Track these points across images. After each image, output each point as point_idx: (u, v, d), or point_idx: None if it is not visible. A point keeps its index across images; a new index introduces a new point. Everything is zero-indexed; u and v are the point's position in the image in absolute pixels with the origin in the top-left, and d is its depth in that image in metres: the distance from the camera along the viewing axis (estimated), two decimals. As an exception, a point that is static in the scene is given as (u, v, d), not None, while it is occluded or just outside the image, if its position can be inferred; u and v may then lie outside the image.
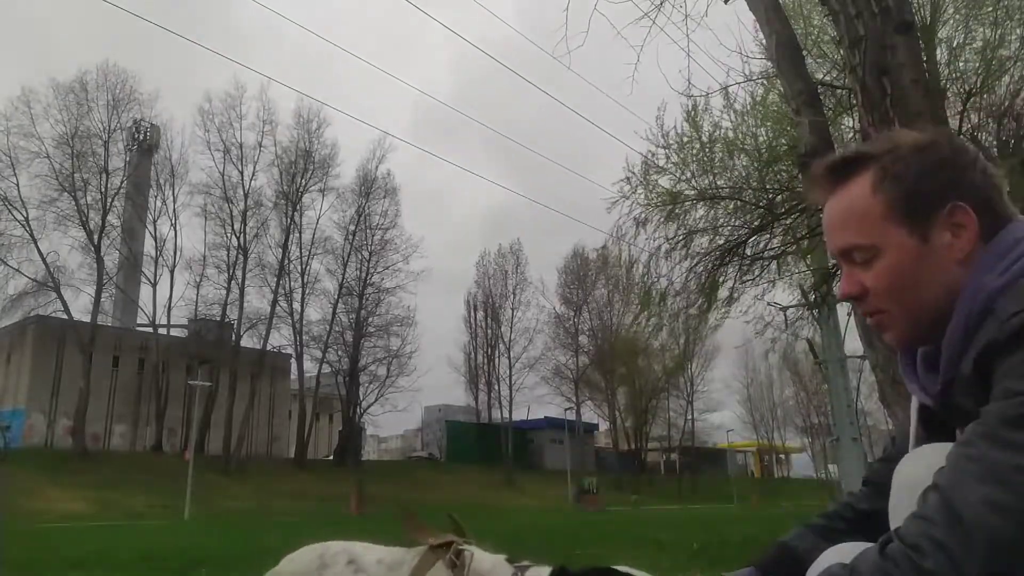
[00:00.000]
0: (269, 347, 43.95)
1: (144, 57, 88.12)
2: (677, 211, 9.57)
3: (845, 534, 1.22)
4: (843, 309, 12.75)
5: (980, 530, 0.75)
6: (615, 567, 1.16)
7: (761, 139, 9.33)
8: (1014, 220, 0.99)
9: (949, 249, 0.97)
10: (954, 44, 8.10)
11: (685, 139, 9.65)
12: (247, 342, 43.27)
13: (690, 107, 9.42)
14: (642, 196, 9.79)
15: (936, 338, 1.00)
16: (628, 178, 9.86)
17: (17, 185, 36.15)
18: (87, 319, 38.19)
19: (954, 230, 0.97)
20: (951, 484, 0.81)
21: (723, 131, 9.52)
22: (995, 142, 8.64)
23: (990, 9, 7.95)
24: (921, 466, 1.01)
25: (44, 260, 36.58)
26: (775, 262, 9.71)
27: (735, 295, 10.08)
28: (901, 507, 1.01)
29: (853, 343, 13.31)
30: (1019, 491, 0.75)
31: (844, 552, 1.16)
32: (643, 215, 9.75)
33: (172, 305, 42.86)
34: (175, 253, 42.27)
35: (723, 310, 10.29)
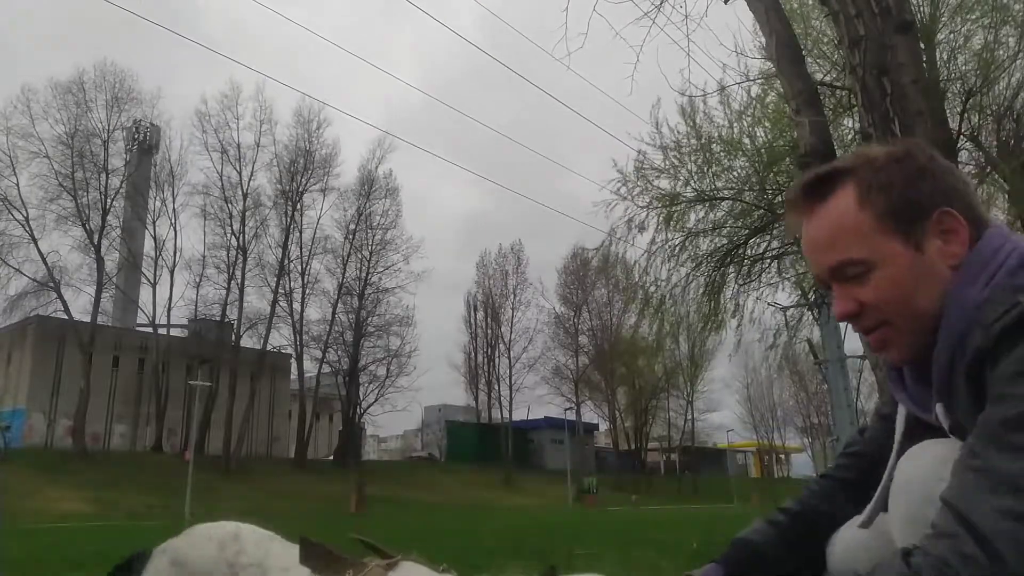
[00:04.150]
0: (269, 347, 43.95)
1: (144, 57, 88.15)
2: (675, 212, 9.57)
3: (805, 531, 1.26)
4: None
5: (1002, 541, 0.75)
6: None
7: (760, 139, 9.33)
8: (990, 227, 0.98)
9: (942, 255, 0.96)
10: (953, 45, 8.11)
11: (683, 139, 9.66)
12: (247, 342, 43.29)
13: (688, 107, 9.43)
14: (639, 198, 9.79)
15: (929, 354, 0.99)
16: (624, 180, 9.86)
17: (17, 185, 36.16)
18: (87, 319, 38.18)
19: (944, 236, 0.96)
20: (964, 498, 0.80)
21: (722, 131, 9.52)
22: (995, 142, 8.64)
23: (988, 10, 7.95)
24: (924, 464, 1.02)
25: (44, 260, 36.59)
26: (775, 263, 9.71)
27: (740, 303, 10.09)
28: (905, 506, 1.02)
29: (853, 343, 13.32)
30: None
31: (855, 543, 1.16)
32: (642, 217, 9.75)
33: (172, 305, 42.87)
34: (175, 253, 42.26)
35: (731, 322, 10.29)
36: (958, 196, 0.98)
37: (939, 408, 0.99)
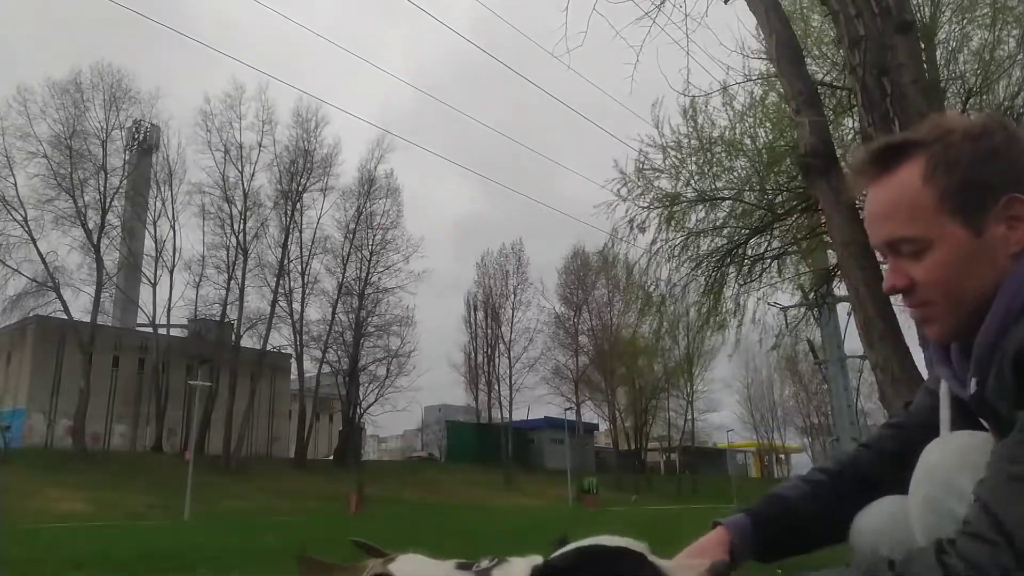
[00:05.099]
0: (269, 347, 43.94)
1: (142, 57, 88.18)
2: (676, 212, 9.56)
3: (841, 494, 1.22)
4: (843, 309, 12.76)
5: None
6: (603, 544, 1.05)
7: (761, 140, 9.33)
8: None
9: (1004, 243, 0.93)
10: (953, 45, 8.11)
11: (683, 139, 9.65)
12: (247, 342, 43.30)
13: (689, 107, 9.42)
14: (640, 198, 9.79)
15: (974, 333, 0.96)
16: (624, 180, 9.85)
17: (15, 185, 36.15)
18: (87, 319, 38.16)
19: (1010, 223, 0.93)
20: (1004, 504, 0.79)
21: (723, 130, 9.51)
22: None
23: (987, 11, 7.95)
24: (949, 452, 1.01)
25: (43, 260, 36.57)
26: (775, 263, 9.71)
27: (740, 302, 10.07)
28: (926, 491, 1.01)
29: (853, 343, 13.30)
30: None
31: (879, 521, 1.14)
32: (642, 218, 9.75)
33: (172, 305, 42.86)
34: (175, 253, 42.23)
35: (731, 322, 10.28)
36: None
37: (972, 383, 0.98)
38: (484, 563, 1.12)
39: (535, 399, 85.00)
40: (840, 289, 10.16)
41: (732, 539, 1.17)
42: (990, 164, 0.94)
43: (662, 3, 7.30)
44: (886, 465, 1.21)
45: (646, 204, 9.75)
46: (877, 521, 1.15)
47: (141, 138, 42.85)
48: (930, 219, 0.95)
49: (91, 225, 37.90)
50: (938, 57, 7.82)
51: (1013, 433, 0.83)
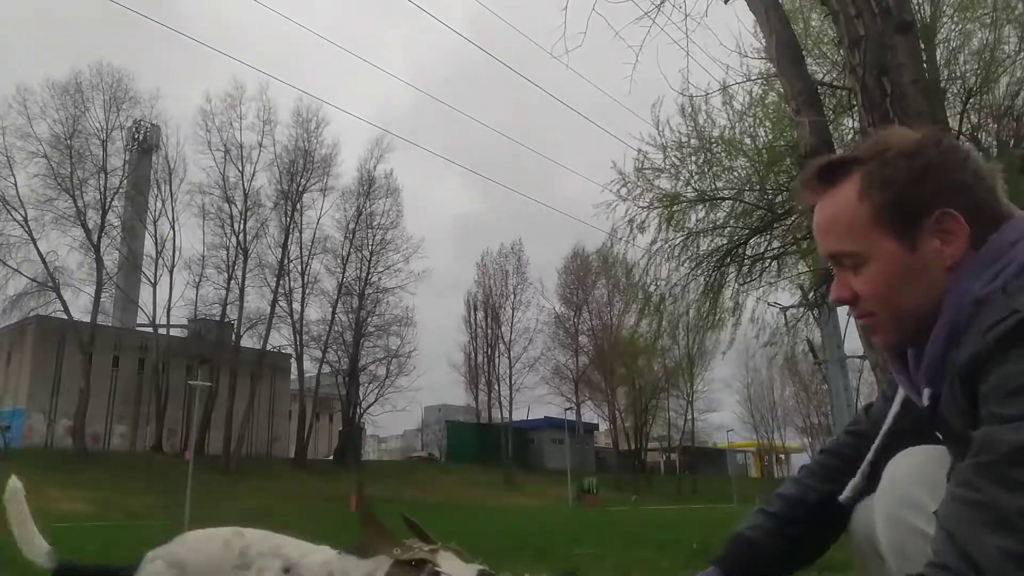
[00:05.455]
0: (269, 347, 43.95)
1: (143, 57, 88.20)
2: (676, 212, 9.56)
3: (804, 517, 1.25)
4: (843, 309, 12.76)
5: None
6: None
7: (761, 140, 9.33)
8: (1010, 219, 0.96)
9: (938, 256, 0.95)
10: (953, 45, 8.11)
11: (683, 139, 9.65)
12: (247, 342, 43.30)
13: (689, 107, 9.42)
14: (640, 198, 9.79)
15: (924, 341, 0.98)
16: (624, 180, 9.84)
17: (15, 185, 36.17)
18: (87, 319, 38.17)
19: (943, 237, 0.95)
20: (965, 532, 0.79)
21: (722, 130, 9.51)
22: (995, 142, 8.64)
23: (988, 10, 7.95)
24: (907, 468, 1.04)
25: (44, 260, 36.57)
26: (775, 263, 9.71)
27: (739, 301, 10.08)
28: (887, 508, 1.04)
29: (853, 343, 13.32)
30: None
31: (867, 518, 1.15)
32: (642, 218, 9.75)
33: (172, 305, 42.84)
34: (175, 253, 42.21)
35: (730, 320, 10.29)
36: (967, 195, 0.95)
37: (926, 393, 1.00)
38: None
39: (535, 399, 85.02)
40: (840, 289, 10.12)
41: None
42: (922, 181, 0.96)
43: (662, 3, 7.30)
44: (849, 470, 1.23)
45: (646, 204, 9.76)
46: (870, 516, 1.16)
47: (141, 138, 42.86)
48: (865, 234, 0.99)
49: (91, 225, 37.96)
50: (938, 57, 7.81)
51: (970, 456, 0.84)
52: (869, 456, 1.16)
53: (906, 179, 0.97)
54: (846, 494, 1.18)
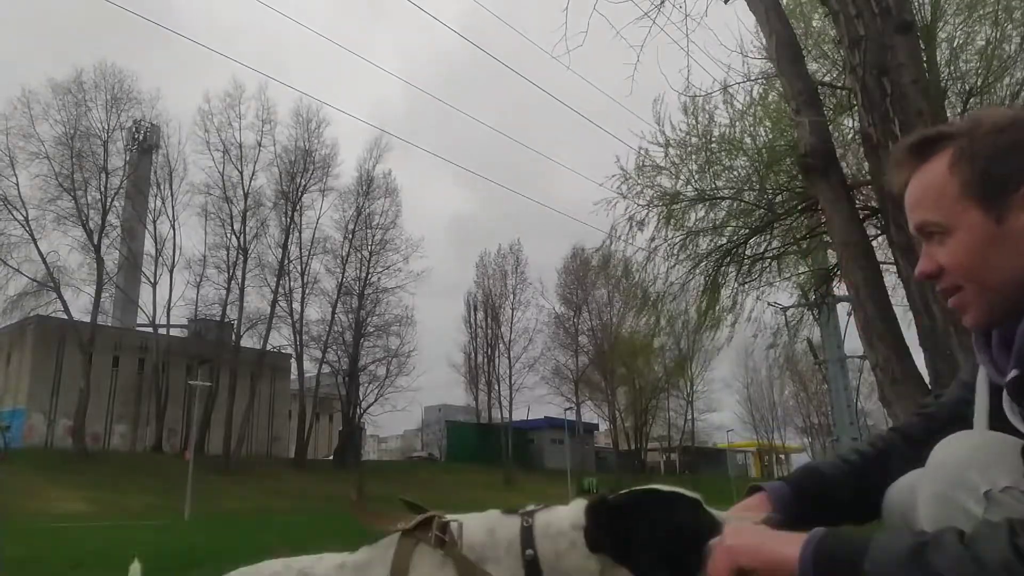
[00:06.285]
0: (269, 347, 43.97)
1: (144, 57, 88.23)
2: (676, 211, 9.56)
3: (874, 475, 1.24)
4: (843, 309, 12.75)
5: None
6: (658, 488, 1.10)
7: (761, 139, 9.32)
8: None
9: None
10: (955, 44, 8.10)
11: (684, 136, 9.65)
12: (247, 342, 43.32)
13: (691, 105, 9.41)
14: (640, 196, 9.79)
15: (1012, 320, 0.98)
16: (625, 177, 9.84)
17: (17, 185, 36.17)
18: (87, 319, 38.16)
19: None
20: (982, 535, 0.79)
21: (723, 129, 9.51)
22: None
23: (990, 9, 7.94)
24: (959, 448, 1.02)
25: (44, 260, 36.58)
26: (775, 262, 9.70)
27: (738, 300, 10.07)
28: (936, 486, 1.02)
29: (853, 343, 13.30)
30: None
31: (910, 486, 1.14)
32: (641, 216, 9.75)
33: (172, 305, 42.91)
34: (175, 253, 42.27)
35: (727, 319, 10.29)
36: None
37: (1013, 374, 0.99)
38: (530, 507, 1.18)
39: (535, 399, 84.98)
40: (840, 289, 10.15)
41: (772, 504, 1.23)
42: (1012, 156, 0.97)
43: (662, 3, 7.30)
44: (912, 453, 1.22)
45: (646, 202, 9.75)
46: (906, 494, 1.17)
47: (141, 138, 42.85)
48: (952, 206, 1.00)
49: (91, 225, 37.95)
50: (939, 57, 7.81)
51: None
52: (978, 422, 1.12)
53: (995, 153, 0.98)
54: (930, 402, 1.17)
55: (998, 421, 1.06)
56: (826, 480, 1.26)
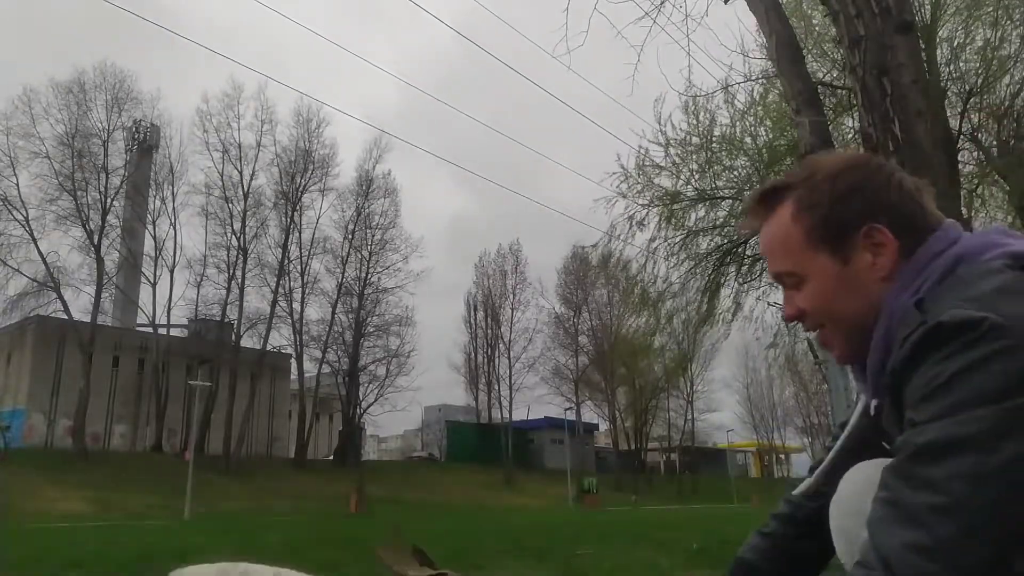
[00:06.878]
0: (269, 347, 43.94)
1: (144, 57, 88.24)
2: (676, 211, 9.57)
3: (799, 534, 1.30)
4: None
5: (908, 574, 0.77)
6: None
7: (761, 139, 9.32)
8: (939, 229, 1.01)
9: (871, 269, 1.01)
10: (955, 44, 8.10)
11: (685, 136, 9.65)
12: (247, 342, 43.28)
13: (691, 106, 9.41)
14: (640, 195, 9.79)
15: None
16: (625, 175, 9.85)
17: (17, 185, 36.15)
18: (87, 319, 38.12)
19: (873, 250, 1.01)
20: (878, 531, 0.83)
21: (723, 128, 9.51)
22: (995, 142, 8.64)
23: (990, 9, 7.94)
24: (856, 481, 1.09)
25: (44, 260, 36.56)
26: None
27: (740, 300, 10.08)
28: (838, 521, 1.11)
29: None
30: (935, 532, 0.76)
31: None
32: (641, 215, 9.75)
33: (172, 305, 42.86)
34: (175, 253, 42.23)
35: (728, 318, 10.30)
36: (893, 209, 1.01)
37: (874, 404, 1.06)
38: None
39: (535, 399, 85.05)
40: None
41: None
42: (848, 200, 1.03)
43: (662, 3, 7.30)
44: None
45: (646, 202, 9.76)
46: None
47: (141, 138, 42.85)
48: (800, 254, 1.06)
49: (91, 225, 37.93)
50: (939, 57, 7.81)
51: (892, 460, 0.87)
52: (825, 462, 1.22)
53: (832, 199, 1.03)
54: (796, 491, 1.26)
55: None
56: (754, 569, 1.32)
